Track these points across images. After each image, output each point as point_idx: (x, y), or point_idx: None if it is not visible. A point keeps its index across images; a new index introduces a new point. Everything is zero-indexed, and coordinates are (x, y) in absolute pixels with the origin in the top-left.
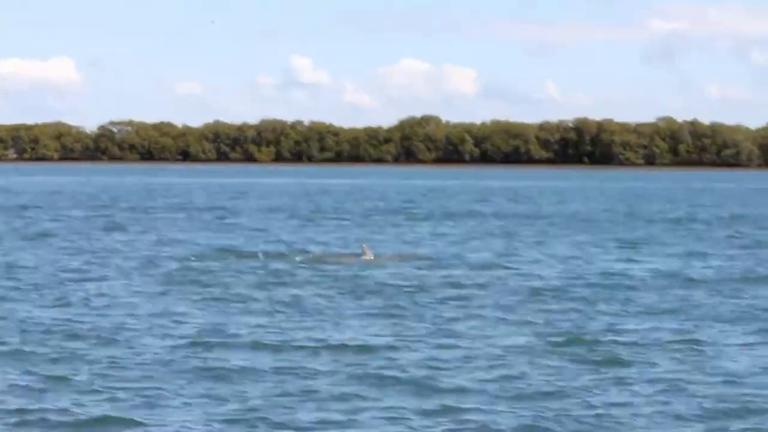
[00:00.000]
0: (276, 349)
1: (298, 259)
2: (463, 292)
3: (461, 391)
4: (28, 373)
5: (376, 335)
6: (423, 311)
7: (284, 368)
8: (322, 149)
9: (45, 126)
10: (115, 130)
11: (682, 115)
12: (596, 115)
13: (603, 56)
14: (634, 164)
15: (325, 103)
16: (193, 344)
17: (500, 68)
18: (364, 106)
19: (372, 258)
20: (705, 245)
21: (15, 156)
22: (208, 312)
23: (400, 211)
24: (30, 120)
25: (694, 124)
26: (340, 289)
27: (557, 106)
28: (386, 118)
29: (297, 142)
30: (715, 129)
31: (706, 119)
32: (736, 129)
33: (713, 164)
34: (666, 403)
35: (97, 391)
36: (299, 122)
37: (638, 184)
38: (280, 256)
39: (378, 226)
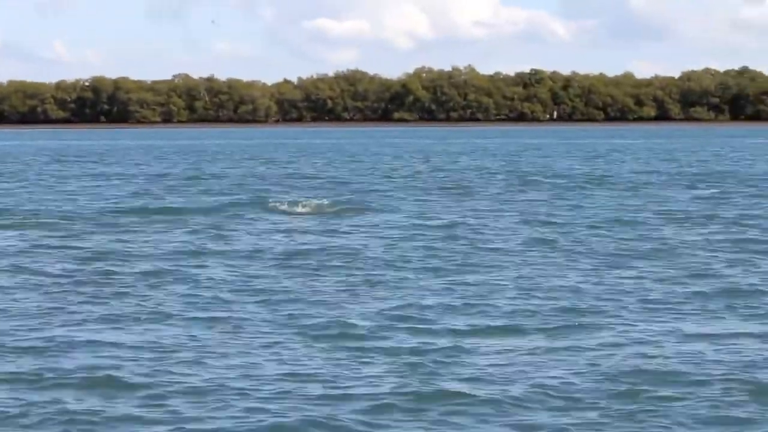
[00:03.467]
0: None
1: None
2: None
3: None
4: None
5: None
6: None
7: None
8: None
9: None
10: None
11: (198, 72)
12: (111, 73)
13: (110, 13)
14: (151, 122)
15: None
16: None
17: (11, 27)
18: None
19: None
20: None
21: None
22: None
23: None
24: None
25: (210, 81)
26: None
27: (70, 65)
28: None
29: None
30: (232, 85)
31: (223, 76)
32: (253, 85)
33: (230, 120)
34: None
35: None
36: None
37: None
38: None
39: None
